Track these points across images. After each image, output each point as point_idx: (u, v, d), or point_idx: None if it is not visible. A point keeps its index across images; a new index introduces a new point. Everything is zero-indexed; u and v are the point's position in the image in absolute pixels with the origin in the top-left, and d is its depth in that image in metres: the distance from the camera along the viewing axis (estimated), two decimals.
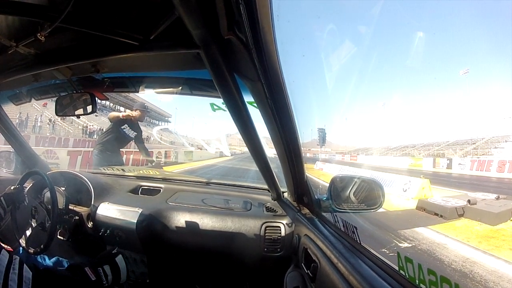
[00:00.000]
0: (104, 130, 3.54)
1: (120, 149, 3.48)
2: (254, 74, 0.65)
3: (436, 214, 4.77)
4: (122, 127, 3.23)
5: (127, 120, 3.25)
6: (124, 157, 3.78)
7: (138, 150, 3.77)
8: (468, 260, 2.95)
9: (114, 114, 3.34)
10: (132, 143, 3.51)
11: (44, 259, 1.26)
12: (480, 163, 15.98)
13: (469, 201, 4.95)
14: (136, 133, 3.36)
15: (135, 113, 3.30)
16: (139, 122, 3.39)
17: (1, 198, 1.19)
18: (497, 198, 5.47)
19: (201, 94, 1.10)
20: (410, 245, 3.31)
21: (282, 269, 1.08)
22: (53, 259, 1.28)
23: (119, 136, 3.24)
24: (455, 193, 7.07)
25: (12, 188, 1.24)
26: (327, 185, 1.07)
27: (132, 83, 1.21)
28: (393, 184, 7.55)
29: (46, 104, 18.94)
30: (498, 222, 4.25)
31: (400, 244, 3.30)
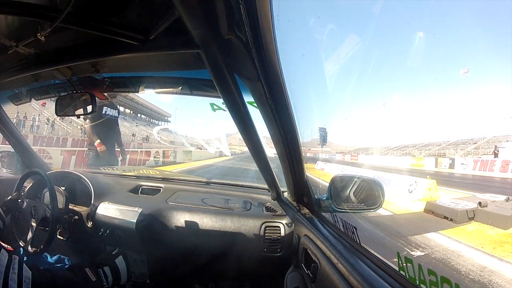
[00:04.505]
0: (88, 127, 3.32)
1: (115, 140, 3.39)
2: (254, 74, 0.65)
3: (446, 218, 4.63)
4: (104, 112, 3.14)
5: (103, 104, 3.13)
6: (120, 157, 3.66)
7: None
8: (486, 269, 2.83)
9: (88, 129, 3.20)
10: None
11: (46, 257, 1.26)
12: (483, 163, 15.83)
13: (480, 203, 4.78)
14: (117, 110, 3.32)
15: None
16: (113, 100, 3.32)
17: (0, 208, 1.20)
18: (507, 200, 5.33)
19: (201, 94, 1.10)
20: (423, 253, 3.16)
21: (282, 269, 1.08)
22: (55, 257, 1.29)
23: (106, 123, 3.14)
24: (461, 194, 6.93)
25: (9, 198, 1.25)
26: (327, 185, 1.07)
27: (132, 83, 1.21)
28: (397, 185, 7.37)
29: (45, 103, 18.93)
30: (510, 226, 4.13)
31: (413, 253, 3.16)
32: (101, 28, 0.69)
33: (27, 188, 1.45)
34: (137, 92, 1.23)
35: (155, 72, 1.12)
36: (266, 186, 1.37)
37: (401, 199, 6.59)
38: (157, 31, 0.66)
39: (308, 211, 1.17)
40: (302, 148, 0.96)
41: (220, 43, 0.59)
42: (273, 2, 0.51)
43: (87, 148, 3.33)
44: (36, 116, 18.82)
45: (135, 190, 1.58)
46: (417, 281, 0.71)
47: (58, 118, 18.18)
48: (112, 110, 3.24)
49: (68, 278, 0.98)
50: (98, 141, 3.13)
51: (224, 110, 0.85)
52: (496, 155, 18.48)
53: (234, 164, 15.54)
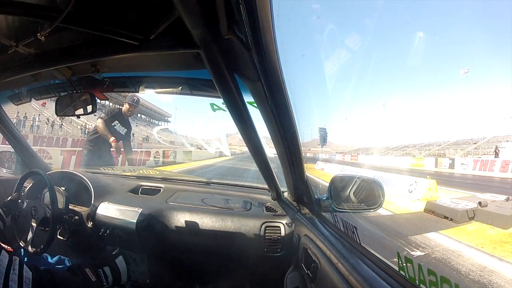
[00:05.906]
0: (93, 127, 3.39)
1: (111, 148, 3.33)
2: (254, 74, 0.65)
3: (446, 217, 4.62)
4: (113, 124, 3.15)
5: (118, 116, 3.14)
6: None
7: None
8: (486, 269, 2.83)
9: (102, 125, 3.14)
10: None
11: (47, 258, 1.26)
12: (483, 163, 15.86)
13: (480, 203, 4.78)
14: (126, 130, 3.26)
15: (124, 107, 3.10)
16: (129, 118, 3.27)
17: (0, 209, 1.20)
18: (507, 200, 5.32)
19: (201, 94, 1.10)
20: (423, 253, 3.17)
21: (282, 269, 1.08)
22: (55, 258, 1.29)
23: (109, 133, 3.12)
24: (461, 194, 6.95)
25: (9, 198, 1.25)
26: (328, 185, 1.07)
27: (132, 83, 1.20)
28: (398, 185, 7.38)
29: (45, 103, 18.93)
30: (510, 226, 4.12)
31: (413, 253, 3.16)
32: (101, 28, 0.69)
33: (27, 188, 1.45)
34: (137, 92, 1.22)
35: (155, 72, 1.12)
36: (266, 186, 1.37)
37: (401, 199, 6.60)
38: (157, 31, 0.66)
39: (308, 211, 1.17)
40: (302, 148, 0.96)
41: (220, 43, 0.59)
42: (273, 2, 0.51)
43: (83, 147, 3.32)
44: (36, 116, 18.82)
45: (135, 190, 1.58)
46: (417, 281, 0.71)
47: (58, 118, 18.20)
48: (121, 127, 3.19)
49: (68, 279, 0.98)
50: (113, 138, 3.13)
51: (224, 110, 0.85)
52: (497, 154, 18.54)
53: (234, 164, 15.54)
